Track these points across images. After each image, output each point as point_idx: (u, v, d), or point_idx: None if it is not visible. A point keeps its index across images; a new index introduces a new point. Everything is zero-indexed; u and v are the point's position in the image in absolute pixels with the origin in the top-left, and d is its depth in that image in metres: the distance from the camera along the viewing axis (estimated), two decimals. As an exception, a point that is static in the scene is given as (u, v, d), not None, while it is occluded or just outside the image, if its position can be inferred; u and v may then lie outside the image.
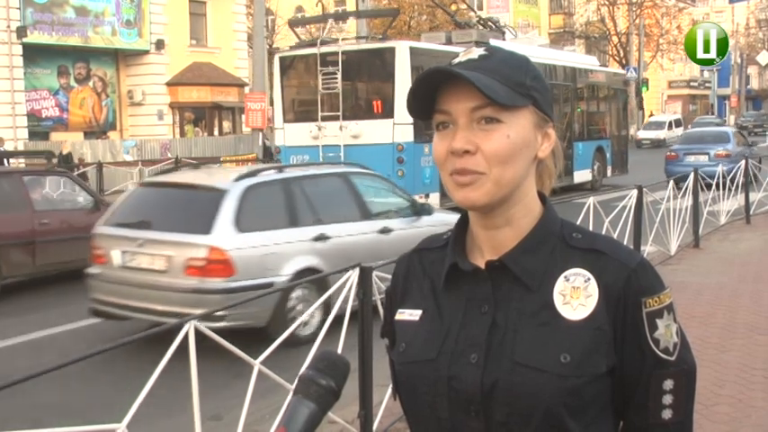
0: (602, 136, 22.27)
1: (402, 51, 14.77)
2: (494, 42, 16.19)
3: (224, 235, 6.70)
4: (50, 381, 4.02)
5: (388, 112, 14.67)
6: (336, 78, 14.99)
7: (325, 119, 15.14)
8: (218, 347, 3.82)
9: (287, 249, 7.05)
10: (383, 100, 15.05)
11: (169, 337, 3.49)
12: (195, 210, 7.06)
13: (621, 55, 52.82)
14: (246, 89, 32.50)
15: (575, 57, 22.62)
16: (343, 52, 15.14)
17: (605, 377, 1.30)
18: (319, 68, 15.14)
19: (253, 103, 27.24)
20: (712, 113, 62.12)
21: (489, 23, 20.29)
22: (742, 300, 8.01)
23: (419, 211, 8.54)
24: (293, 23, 18.72)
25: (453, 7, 20.29)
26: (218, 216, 6.74)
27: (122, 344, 3.31)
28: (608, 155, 22.17)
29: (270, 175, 7.56)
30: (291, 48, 16.78)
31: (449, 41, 17.35)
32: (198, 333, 3.55)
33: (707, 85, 72.69)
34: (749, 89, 75.96)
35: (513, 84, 1.31)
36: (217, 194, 6.98)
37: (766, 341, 6.47)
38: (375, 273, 4.55)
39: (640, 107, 35.99)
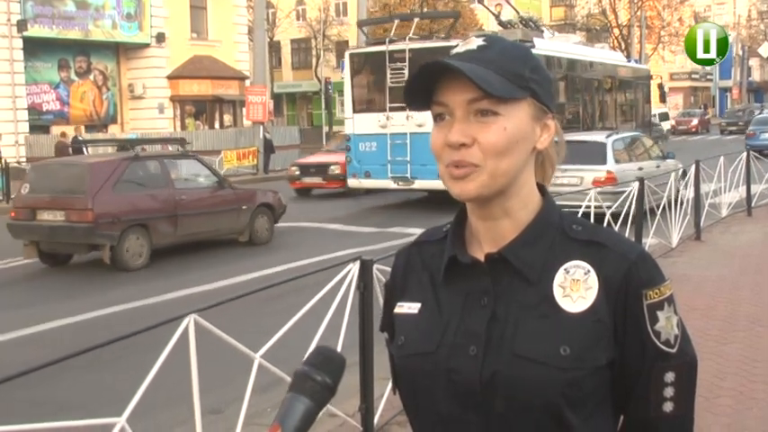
0: (631, 126, 23.05)
1: None
2: (536, 41, 17.34)
3: (611, 164, 13.20)
4: (48, 374, 4.01)
5: None
6: (404, 73, 16.26)
7: (392, 109, 16.45)
8: (219, 340, 3.81)
9: (631, 173, 12.33)
10: None
11: (170, 330, 3.49)
12: (592, 152, 12.97)
13: (623, 47, 52.65)
14: (247, 82, 32.52)
15: (604, 53, 23.44)
16: (410, 50, 16.43)
17: (605, 369, 1.29)
18: (388, 64, 16.52)
19: (254, 96, 27.31)
20: (710, 107, 61.76)
21: (531, 23, 21.03)
22: (743, 292, 8.00)
23: (666, 156, 15.33)
24: (362, 24, 20.74)
25: (498, 9, 21.05)
26: (607, 155, 13.34)
27: (122, 337, 3.30)
28: None
29: (622, 134, 14.98)
30: (360, 46, 18.48)
31: None
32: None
33: (708, 77, 72.54)
34: (750, 81, 75.76)
35: (510, 75, 1.29)
36: (602, 144, 13.56)
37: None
38: (375, 266, 4.54)
39: (663, 100, 35.93)
